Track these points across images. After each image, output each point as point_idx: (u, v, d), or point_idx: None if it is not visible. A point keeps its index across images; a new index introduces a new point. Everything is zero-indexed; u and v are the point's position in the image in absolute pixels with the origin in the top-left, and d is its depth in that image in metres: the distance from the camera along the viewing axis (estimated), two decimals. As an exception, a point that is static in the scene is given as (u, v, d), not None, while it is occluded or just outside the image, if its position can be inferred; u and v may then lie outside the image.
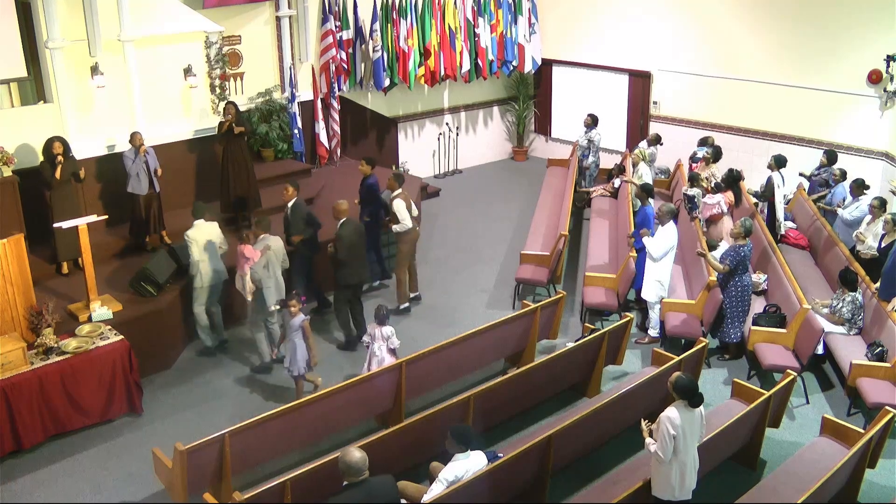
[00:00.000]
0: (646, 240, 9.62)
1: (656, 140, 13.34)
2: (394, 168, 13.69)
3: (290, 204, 9.79)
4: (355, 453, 5.17)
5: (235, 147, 10.82)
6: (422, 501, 6.15)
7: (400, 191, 10.24)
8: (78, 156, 10.19)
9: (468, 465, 6.20)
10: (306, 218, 9.85)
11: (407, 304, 10.65)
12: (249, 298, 8.92)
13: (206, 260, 9.15)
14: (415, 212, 10.48)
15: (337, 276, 9.43)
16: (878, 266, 9.45)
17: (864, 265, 9.73)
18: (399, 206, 10.09)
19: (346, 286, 9.44)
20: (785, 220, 11.66)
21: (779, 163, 11.49)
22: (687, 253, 10.96)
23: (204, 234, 9.18)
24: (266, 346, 9.10)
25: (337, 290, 9.59)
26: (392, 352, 8.28)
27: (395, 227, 10.16)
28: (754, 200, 11.64)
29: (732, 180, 11.39)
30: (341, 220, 9.35)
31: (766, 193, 11.39)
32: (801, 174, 12.26)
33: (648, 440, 6.09)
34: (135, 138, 10.01)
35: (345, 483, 5.17)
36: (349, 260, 9.28)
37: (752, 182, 12.52)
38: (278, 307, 8.84)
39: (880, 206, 10.08)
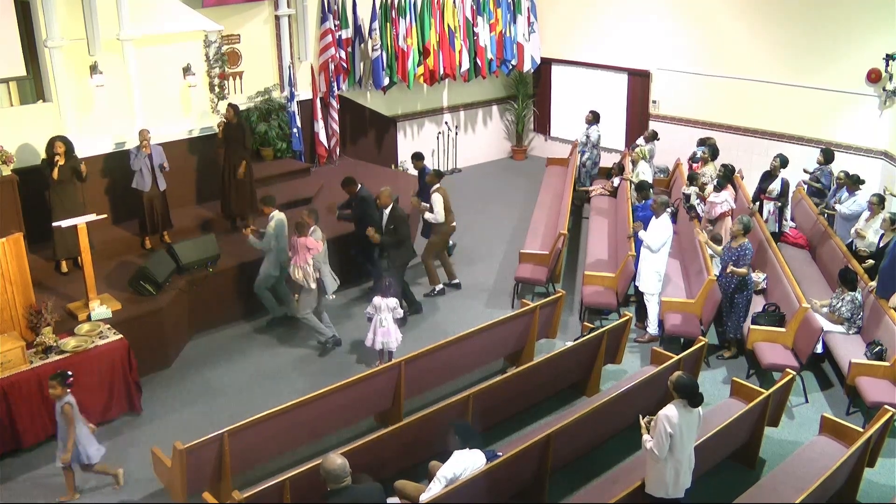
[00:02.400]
0: (641, 233, 9.65)
1: (653, 136, 13.35)
2: (392, 168, 13.73)
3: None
4: (336, 460, 5.14)
5: (233, 155, 10.82)
6: (420, 500, 6.15)
7: (439, 185, 10.83)
8: (77, 155, 10.18)
9: (466, 462, 6.21)
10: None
11: (441, 287, 11.07)
12: (314, 287, 9.26)
13: (280, 248, 9.70)
14: (451, 209, 10.95)
15: (392, 258, 10.00)
16: (875, 263, 9.48)
17: (862, 263, 9.74)
18: (436, 200, 10.66)
19: (402, 265, 10.09)
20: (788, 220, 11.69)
21: (783, 163, 11.49)
22: (686, 251, 10.97)
23: (282, 222, 9.71)
24: (322, 325, 9.53)
25: (394, 271, 9.89)
26: (397, 322, 8.85)
27: (428, 216, 10.73)
28: (770, 203, 11.59)
29: (729, 174, 11.40)
30: (389, 206, 9.98)
31: (785, 195, 11.40)
32: (805, 171, 12.25)
33: (646, 437, 6.09)
34: (139, 135, 10.04)
35: (328, 489, 5.14)
36: (403, 240, 9.96)
37: (752, 181, 12.52)
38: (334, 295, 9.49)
39: (879, 202, 10.10)
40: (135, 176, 10.10)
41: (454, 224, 11.16)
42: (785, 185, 11.38)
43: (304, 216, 9.31)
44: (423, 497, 6.16)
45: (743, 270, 9.10)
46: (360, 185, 10.65)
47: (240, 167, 10.82)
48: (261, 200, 9.90)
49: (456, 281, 11.32)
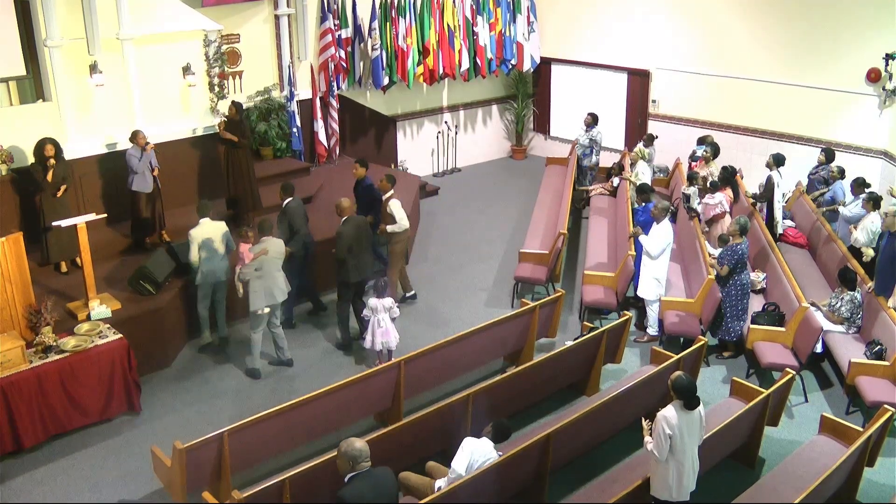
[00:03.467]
0: (642, 238, 9.63)
1: (651, 140, 13.34)
2: (392, 167, 13.69)
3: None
4: (357, 442, 5.18)
5: (236, 152, 10.83)
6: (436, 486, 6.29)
7: (392, 192, 10.20)
8: (77, 154, 10.22)
9: (475, 449, 6.29)
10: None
11: (413, 293, 10.83)
12: (240, 295, 9.02)
13: (205, 258, 9.16)
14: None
15: (338, 275, 9.42)
16: (874, 262, 9.52)
17: (861, 263, 9.75)
18: (395, 206, 10.07)
19: (346, 284, 9.41)
20: (784, 218, 11.66)
21: (777, 161, 11.48)
22: (686, 251, 10.96)
23: (206, 233, 9.18)
24: (258, 351, 9.09)
25: (339, 289, 9.57)
26: (393, 322, 8.78)
27: (392, 228, 10.03)
28: (752, 201, 11.64)
29: (729, 176, 11.40)
30: (343, 218, 9.33)
31: (766, 193, 11.39)
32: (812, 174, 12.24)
33: (647, 438, 6.10)
34: (138, 137, 10.02)
35: (348, 476, 5.15)
36: (350, 258, 9.27)
37: (752, 180, 12.52)
38: (266, 310, 8.83)
39: (868, 199, 10.10)
40: (135, 178, 10.09)
41: (408, 229, 10.41)
42: (770, 183, 11.35)
43: (245, 230, 9.09)
44: (439, 482, 6.32)
45: (721, 268, 9.13)
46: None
47: (241, 159, 10.84)
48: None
49: (412, 292, 10.83)
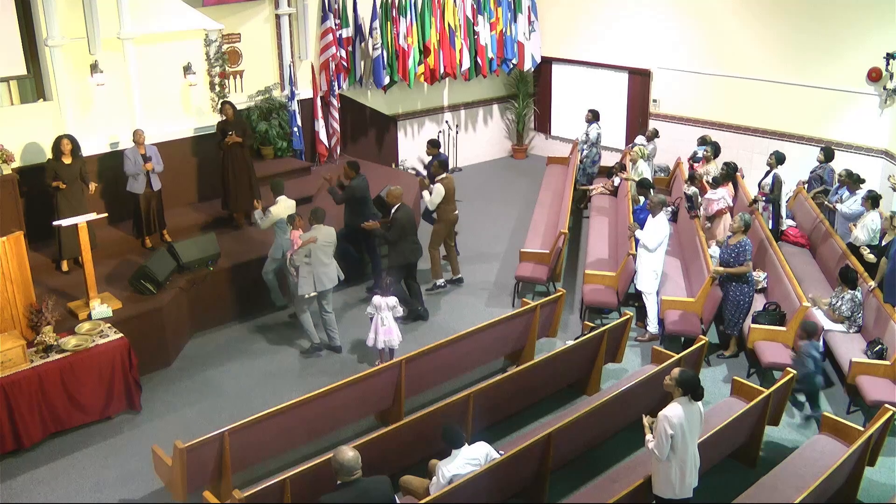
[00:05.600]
0: (638, 233, 9.65)
1: (654, 135, 13.34)
2: (393, 167, 13.73)
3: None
4: (348, 452, 5.18)
5: (235, 152, 10.83)
6: (429, 490, 6.23)
7: (444, 175, 10.84)
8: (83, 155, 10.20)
9: (470, 457, 6.25)
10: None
11: (442, 282, 11.10)
12: (293, 279, 9.27)
13: (278, 234, 9.75)
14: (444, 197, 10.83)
15: (390, 257, 10.00)
16: (878, 260, 9.51)
17: (862, 262, 9.74)
18: (437, 188, 10.69)
19: (398, 266, 9.92)
20: (785, 217, 11.67)
21: (779, 160, 11.49)
22: (686, 250, 10.96)
23: (284, 210, 9.65)
24: (312, 329, 9.46)
25: (390, 270, 9.90)
26: (396, 321, 8.86)
27: (425, 196, 10.91)
28: (761, 199, 11.59)
29: (731, 172, 11.38)
30: (396, 205, 9.87)
31: (776, 192, 11.38)
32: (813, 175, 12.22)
33: (648, 437, 6.09)
34: (137, 136, 10.02)
35: (338, 482, 5.18)
36: (401, 241, 9.84)
37: (752, 180, 12.51)
38: (312, 294, 9.16)
39: (867, 197, 10.09)
40: (129, 179, 10.10)
41: (456, 213, 11.14)
42: (777, 181, 11.35)
43: (296, 216, 9.42)
44: (430, 488, 6.25)
45: (743, 268, 9.08)
46: (357, 175, 10.60)
47: (242, 158, 10.91)
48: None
49: (459, 276, 11.34)
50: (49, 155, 9.66)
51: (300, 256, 9.02)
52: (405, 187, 11.07)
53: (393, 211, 9.94)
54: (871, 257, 9.70)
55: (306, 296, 9.16)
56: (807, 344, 8.08)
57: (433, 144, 11.99)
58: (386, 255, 10.28)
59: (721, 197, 10.97)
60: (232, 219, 11.19)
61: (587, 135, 13.84)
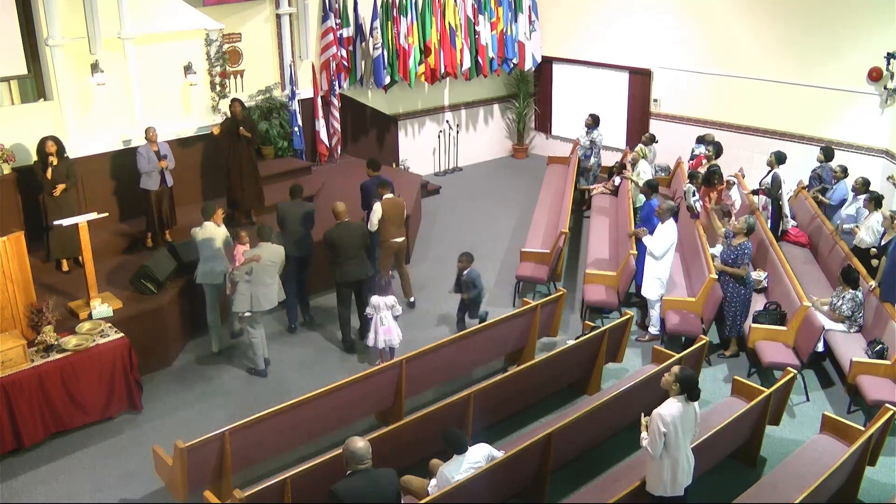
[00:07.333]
0: (646, 239, 9.60)
1: (651, 140, 13.31)
2: (394, 167, 13.69)
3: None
4: (359, 442, 5.27)
5: (241, 150, 10.83)
6: (428, 490, 6.25)
7: (386, 196, 9.96)
8: (78, 153, 10.22)
9: (470, 460, 6.25)
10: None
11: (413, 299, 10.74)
12: (228, 294, 8.96)
13: (203, 259, 9.08)
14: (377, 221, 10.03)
15: (333, 274, 9.47)
16: (871, 258, 9.54)
17: (860, 257, 9.73)
18: (375, 208, 9.88)
19: (340, 283, 9.42)
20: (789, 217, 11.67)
21: (779, 159, 11.48)
22: (687, 249, 10.96)
23: (206, 234, 9.07)
24: (258, 351, 9.05)
25: (337, 286, 9.57)
26: (396, 319, 8.80)
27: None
28: (762, 197, 11.60)
29: (708, 176, 11.36)
30: (337, 223, 9.31)
31: (775, 191, 11.38)
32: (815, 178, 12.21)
33: (643, 434, 6.10)
34: (149, 133, 10.07)
35: (348, 472, 5.25)
36: (343, 260, 9.27)
37: (752, 180, 12.50)
38: (246, 314, 8.82)
39: (870, 198, 10.09)
40: (142, 176, 10.10)
41: (398, 240, 10.13)
42: (777, 180, 11.34)
43: (240, 231, 9.17)
44: (430, 489, 6.27)
45: (740, 270, 9.09)
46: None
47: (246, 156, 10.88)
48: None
49: (410, 299, 10.63)
50: (35, 158, 9.55)
51: (241, 273, 8.70)
52: (406, 188, 11.03)
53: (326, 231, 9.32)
54: (877, 262, 9.71)
55: (240, 314, 8.94)
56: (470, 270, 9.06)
57: (371, 165, 10.66)
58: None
59: (734, 199, 11.02)
60: (234, 218, 11.18)
61: (592, 141, 13.71)
